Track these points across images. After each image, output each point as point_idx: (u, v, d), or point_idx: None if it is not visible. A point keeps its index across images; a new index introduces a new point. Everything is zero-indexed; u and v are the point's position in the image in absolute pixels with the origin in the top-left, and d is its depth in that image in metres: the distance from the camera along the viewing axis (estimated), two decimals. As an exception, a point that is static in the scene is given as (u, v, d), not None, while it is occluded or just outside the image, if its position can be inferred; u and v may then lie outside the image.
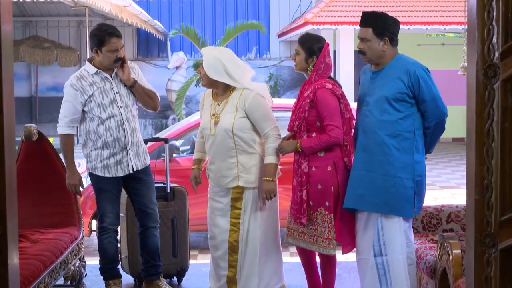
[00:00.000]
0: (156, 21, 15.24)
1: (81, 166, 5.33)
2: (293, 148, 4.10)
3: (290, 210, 4.25)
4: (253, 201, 4.14)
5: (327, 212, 4.04)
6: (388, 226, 3.83)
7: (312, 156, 4.06)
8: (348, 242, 4.14)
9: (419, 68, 3.79)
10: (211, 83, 4.15)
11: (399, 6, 12.97)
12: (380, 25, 3.81)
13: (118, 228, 4.63)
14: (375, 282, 3.89)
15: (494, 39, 2.19)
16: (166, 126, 14.86)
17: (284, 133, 4.26)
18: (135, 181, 4.53)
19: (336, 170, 4.05)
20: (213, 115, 4.12)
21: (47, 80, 15.95)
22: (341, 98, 4.07)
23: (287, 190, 4.70)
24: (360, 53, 3.92)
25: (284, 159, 4.41)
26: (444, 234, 3.74)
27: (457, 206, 4.52)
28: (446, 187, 10.70)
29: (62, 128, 4.41)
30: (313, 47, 4.13)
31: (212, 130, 4.11)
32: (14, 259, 2.14)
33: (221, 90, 4.16)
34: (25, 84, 16.36)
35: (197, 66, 14.85)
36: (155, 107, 4.56)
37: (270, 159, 4.11)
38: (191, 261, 5.33)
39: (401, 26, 4.02)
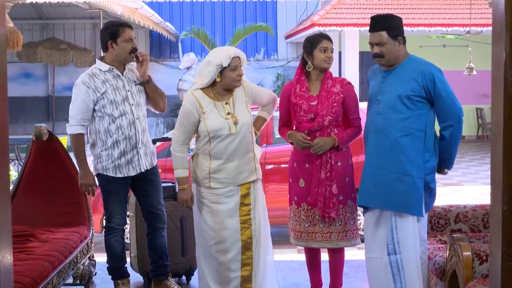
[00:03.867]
0: (167, 23, 15.07)
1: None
2: (331, 145, 3.94)
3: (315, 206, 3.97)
4: (261, 192, 3.99)
5: (353, 203, 4.01)
6: (402, 224, 3.67)
7: (337, 151, 3.97)
8: None
9: (433, 68, 3.69)
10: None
11: (403, 8, 12.82)
12: (393, 27, 3.70)
13: (125, 227, 4.41)
14: (389, 280, 3.72)
15: (525, 37, 1.91)
16: (178, 124, 14.69)
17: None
18: (143, 182, 4.30)
19: (352, 163, 4.08)
20: (228, 114, 3.86)
21: (64, 80, 15.83)
22: None
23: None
24: (376, 57, 3.72)
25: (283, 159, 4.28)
26: (454, 235, 3.58)
27: (465, 207, 4.35)
28: (449, 184, 10.47)
29: (73, 127, 4.12)
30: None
31: (232, 129, 3.83)
32: (6, 269, 1.90)
33: (225, 88, 3.91)
34: (43, 84, 16.35)
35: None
36: (163, 108, 4.37)
37: (266, 115, 4.17)
38: (199, 260, 5.11)
39: (405, 28, 3.90)
